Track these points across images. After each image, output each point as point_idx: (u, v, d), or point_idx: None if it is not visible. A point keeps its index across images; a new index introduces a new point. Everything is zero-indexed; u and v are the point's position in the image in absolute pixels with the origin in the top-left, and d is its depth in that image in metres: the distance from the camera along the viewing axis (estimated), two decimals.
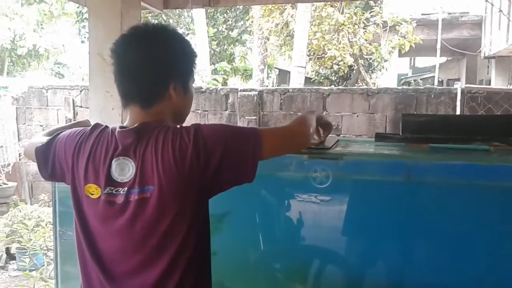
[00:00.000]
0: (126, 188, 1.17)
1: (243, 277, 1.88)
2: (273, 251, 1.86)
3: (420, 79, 16.78)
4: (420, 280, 1.73)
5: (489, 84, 11.63)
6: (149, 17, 10.62)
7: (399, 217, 1.74)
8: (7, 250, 5.18)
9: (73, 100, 6.85)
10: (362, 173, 1.80)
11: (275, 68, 16.09)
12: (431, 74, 14.78)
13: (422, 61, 20.17)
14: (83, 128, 1.31)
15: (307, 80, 12.81)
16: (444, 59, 16.39)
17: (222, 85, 9.01)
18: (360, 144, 2.24)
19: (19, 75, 13.43)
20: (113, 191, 1.18)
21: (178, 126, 1.23)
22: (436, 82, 12.01)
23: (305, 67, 9.43)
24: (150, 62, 1.23)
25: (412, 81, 17.05)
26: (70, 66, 15.68)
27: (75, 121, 1.65)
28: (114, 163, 1.19)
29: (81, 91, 6.89)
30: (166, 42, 1.26)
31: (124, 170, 1.18)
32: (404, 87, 8.33)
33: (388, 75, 12.55)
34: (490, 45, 10.94)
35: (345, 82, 13.41)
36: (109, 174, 1.19)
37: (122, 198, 1.17)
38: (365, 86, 8.48)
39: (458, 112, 5.18)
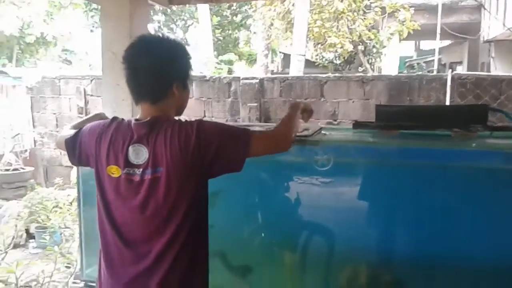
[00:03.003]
0: (141, 169, 1.47)
1: (238, 246, 2.22)
2: (259, 223, 2.20)
3: (424, 62, 16.79)
4: (386, 249, 2.06)
5: (489, 68, 11.80)
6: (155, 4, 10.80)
7: (369, 195, 2.06)
8: (26, 230, 5.55)
9: (84, 90, 7.17)
10: (339, 157, 2.12)
11: (280, 52, 16.16)
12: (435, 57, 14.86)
13: (427, 44, 20.16)
14: (102, 121, 1.63)
15: (312, 64, 12.95)
16: (447, 42, 16.46)
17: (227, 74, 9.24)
18: (339, 132, 2.54)
19: (27, 62, 13.70)
20: (131, 171, 1.48)
21: (184, 120, 1.53)
22: (436, 66, 12.16)
23: (304, 55, 9.61)
24: (158, 66, 1.52)
25: (416, 64, 17.08)
26: (77, 52, 15.91)
27: (94, 114, 1.92)
28: (130, 149, 1.49)
29: (91, 80, 7.19)
30: (169, 49, 1.56)
31: (139, 154, 1.48)
32: (398, 74, 8.52)
33: (390, 59, 12.67)
34: (489, 30, 11.08)
35: (348, 66, 13.63)
36: (127, 157, 1.49)
37: (138, 177, 1.48)
38: (361, 74, 8.66)
39: (448, 98, 5.43)
